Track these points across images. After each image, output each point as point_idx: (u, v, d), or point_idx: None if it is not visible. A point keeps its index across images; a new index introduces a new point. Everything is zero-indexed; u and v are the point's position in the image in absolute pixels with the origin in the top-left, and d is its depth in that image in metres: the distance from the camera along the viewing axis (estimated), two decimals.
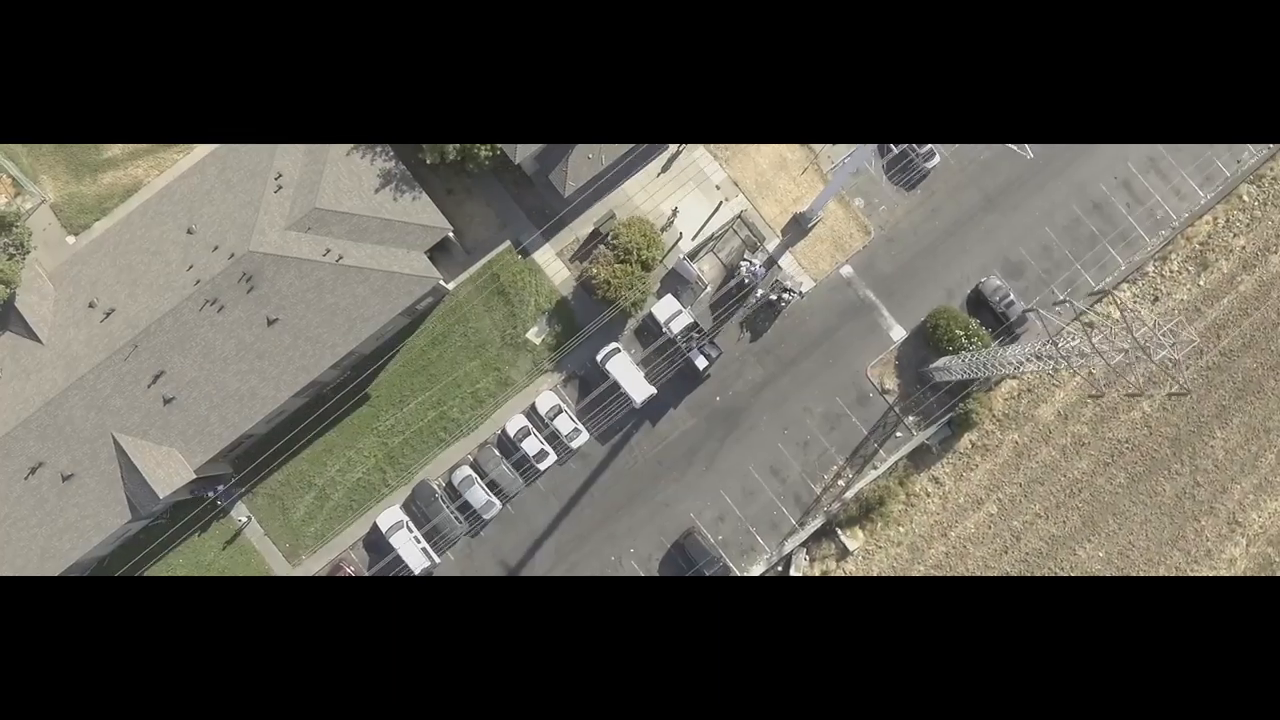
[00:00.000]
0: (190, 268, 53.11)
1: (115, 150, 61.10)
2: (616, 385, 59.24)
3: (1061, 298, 57.01)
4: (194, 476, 53.49)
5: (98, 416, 52.29)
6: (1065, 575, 60.90)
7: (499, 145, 55.82)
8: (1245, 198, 62.96)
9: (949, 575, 60.61)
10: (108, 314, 53.13)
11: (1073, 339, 45.22)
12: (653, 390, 59.42)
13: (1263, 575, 61.35)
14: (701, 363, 59.32)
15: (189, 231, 53.74)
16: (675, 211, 61.73)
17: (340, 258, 53.64)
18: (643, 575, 59.53)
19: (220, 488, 58.44)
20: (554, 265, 61.46)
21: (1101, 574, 60.94)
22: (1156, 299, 62.16)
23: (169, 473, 52.67)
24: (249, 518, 59.29)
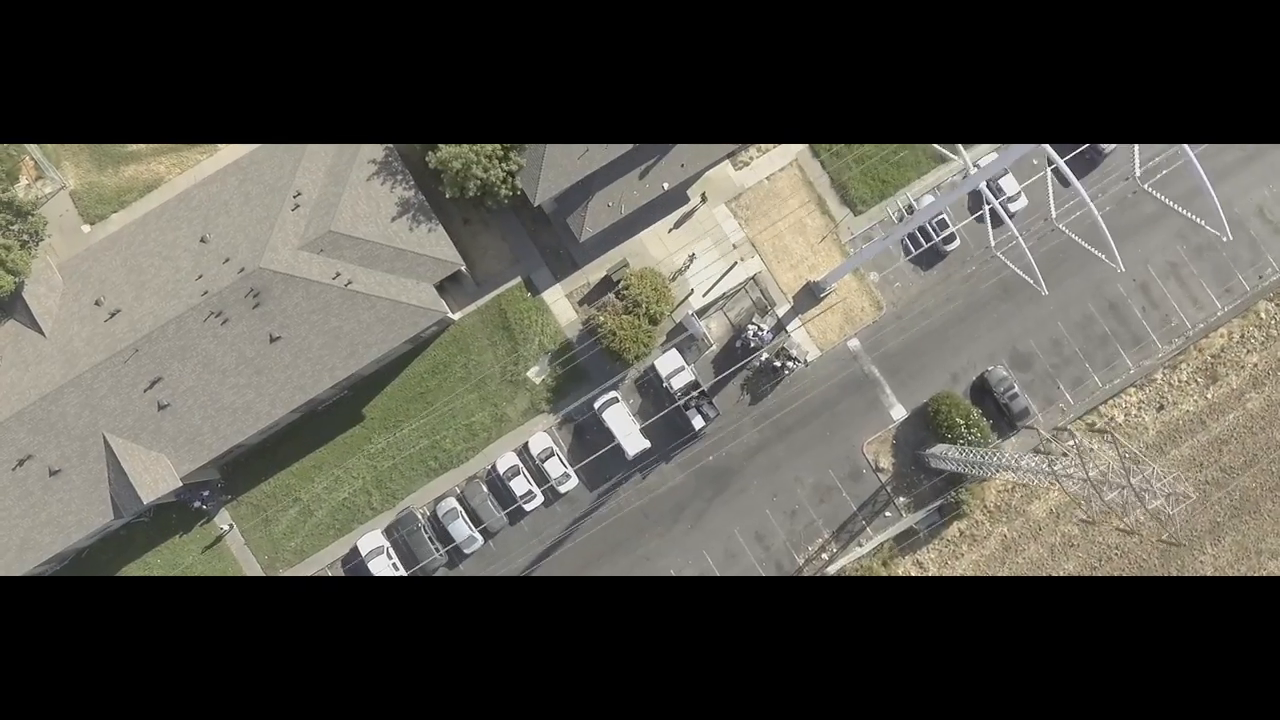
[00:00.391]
0: (199, 277, 53.15)
1: (139, 145, 61.36)
2: (611, 434, 59.21)
3: (1063, 424, 56.61)
4: (180, 484, 53.52)
5: (91, 415, 52.33)
6: None
7: (519, 185, 55.84)
8: (1263, 314, 62.35)
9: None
10: (113, 314, 53.19)
11: (1071, 464, 44.80)
12: (646, 444, 59.14)
13: None
14: (699, 422, 59.07)
15: (202, 240, 53.78)
16: (692, 257, 61.59)
17: (349, 282, 53.62)
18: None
19: (206, 493, 58.54)
20: (562, 306, 61.32)
21: None
22: (1162, 407, 61.64)
23: (155, 478, 52.69)
24: (231, 525, 59.32)
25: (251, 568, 59.56)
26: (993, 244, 46.00)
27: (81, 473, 52.89)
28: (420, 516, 59.39)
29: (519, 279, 61.15)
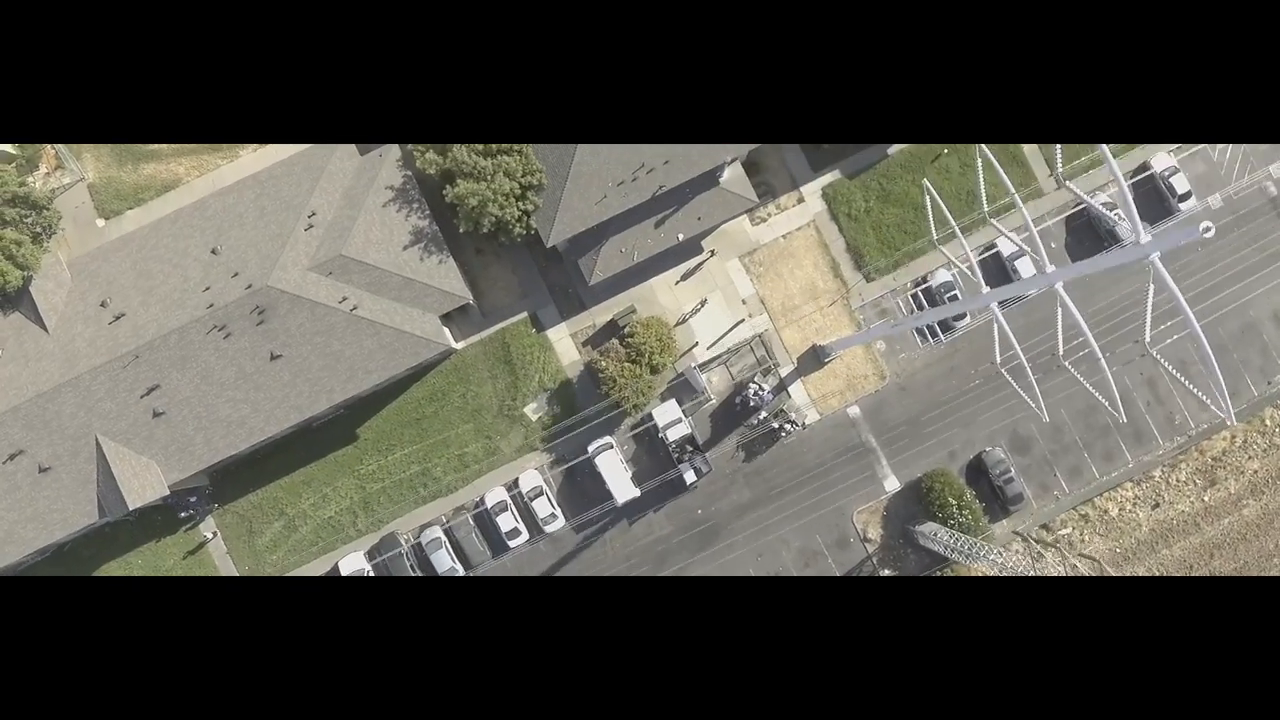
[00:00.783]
0: (207, 289, 53.12)
1: (159, 144, 61.43)
2: (602, 480, 58.99)
3: (1051, 539, 56.23)
4: (167, 492, 53.56)
5: (86, 416, 52.32)
6: None
7: (534, 225, 55.73)
8: (1268, 421, 61.81)
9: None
10: (117, 317, 53.21)
11: (1054, 564, 44.58)
12: (636, 492, 58.84)
13: None
14: (690, 477, 58.76)
15: (213, 251, 53.76)
16: (704, 302, 61.38)
17: (355, 307, 53.52)
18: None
19: (193, 499, 58.54)
20: (566, 345, 61.10)
21: None
22: (1157, 505, 61.12)
23: (143, 484, 52.68)
24: (215, 533, 59.32)
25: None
26: (998, 359, 45.58)
27: (71, 472, 52.90)
28: (404, 542, 59.40)
29: (525, 314, 60.93)
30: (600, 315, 61.36)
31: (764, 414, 60.53)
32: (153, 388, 52.88)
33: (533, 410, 60.97)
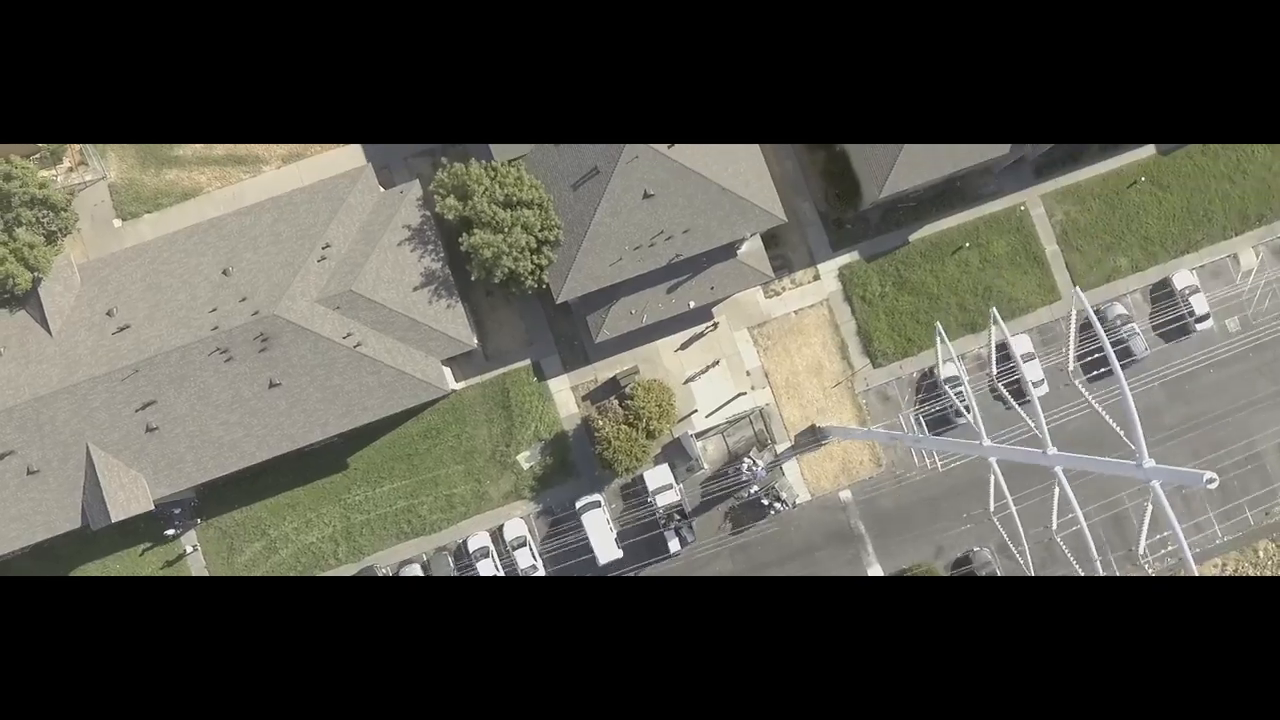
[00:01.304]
0: (214, 310, 53.07)
1: (184, 150, 61.39)
2: (586, 537, 58.83)
3: None
4: (152, 508, 53.60)
5: (79, 424, 52.32)
6: None
7: (546, 280, 55.53)
8: (1260, 553, 61.30)
9: None
10: (121, 328, 53.16)
11: None
12: (619, 554, 58.70)
13: None
14: (674, 546, 58.58)
15: (225, 272, 53.67)
16: (715, 363, 61.16)
17: (359, 344, 53.42)
18: None
19: (178, 510, 58.46)
20: (565, 397, 60.91)
21: None
22: None
23: (129, 497, 52.71)
24: (195, 548, 59.22)
25: None
26: (993, 508, 45.69)
27: (59, 477, 52.93)
28: (382, 576, 59.34)
29: (528, 361, 60.74)
30: (603, 371, 61.16)
31: (755, 489, 60.38)
32: (149, 403, 52.84)
33: (525, 458, 60.76)
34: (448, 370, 57.76)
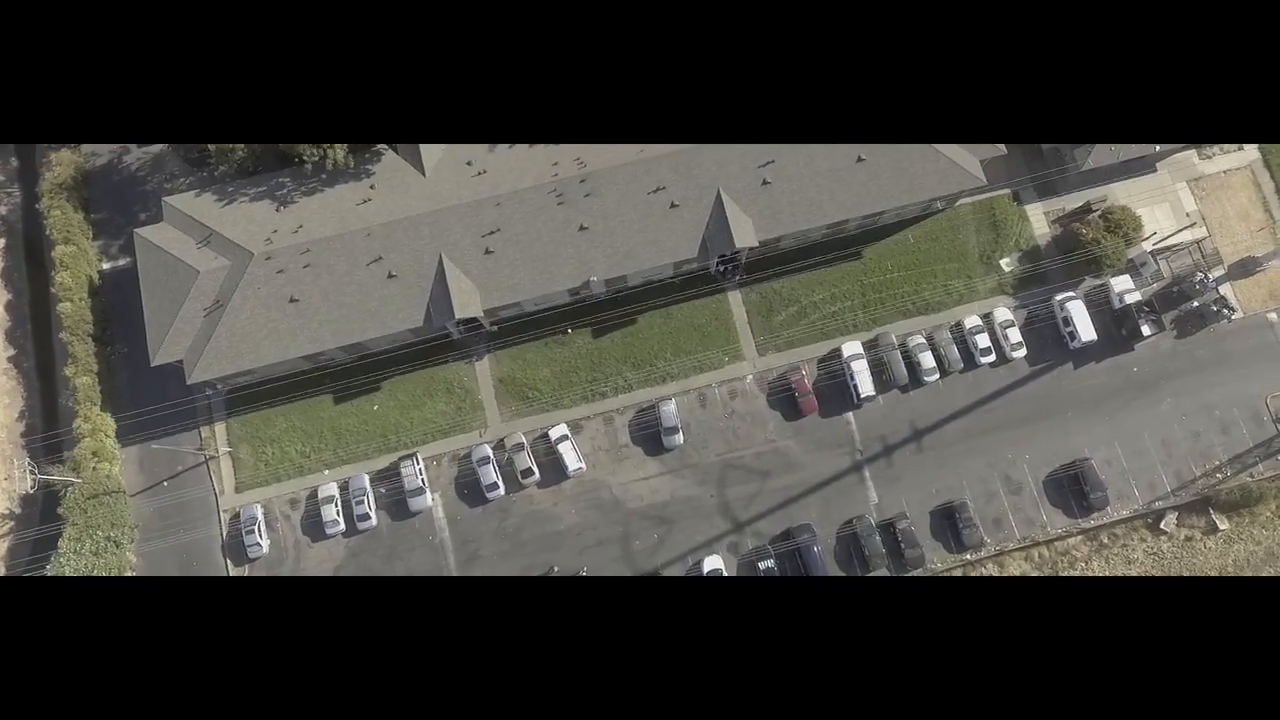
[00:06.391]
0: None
1: None
2: (1069, 322, 71.68)
3: None
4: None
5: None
6: None
7: None
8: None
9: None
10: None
11: None
12: (1094, 335, 71.41)
13: None
14: (1148, 330, 71.29)
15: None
16: (1191, 217, 74.05)
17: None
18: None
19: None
20: (1039, 219, 75.48)
21: None
22: None
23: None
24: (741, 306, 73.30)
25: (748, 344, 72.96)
26: None
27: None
28: (894, 340, 72.32)
29: (1009, 190, 75.87)
30: (1071, 202, 75.71)
31: (1198, 302, 73.03)
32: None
33: (1006, 263, 74.60)
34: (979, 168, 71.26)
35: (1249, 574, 69.63)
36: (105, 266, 76.44)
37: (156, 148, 78.63)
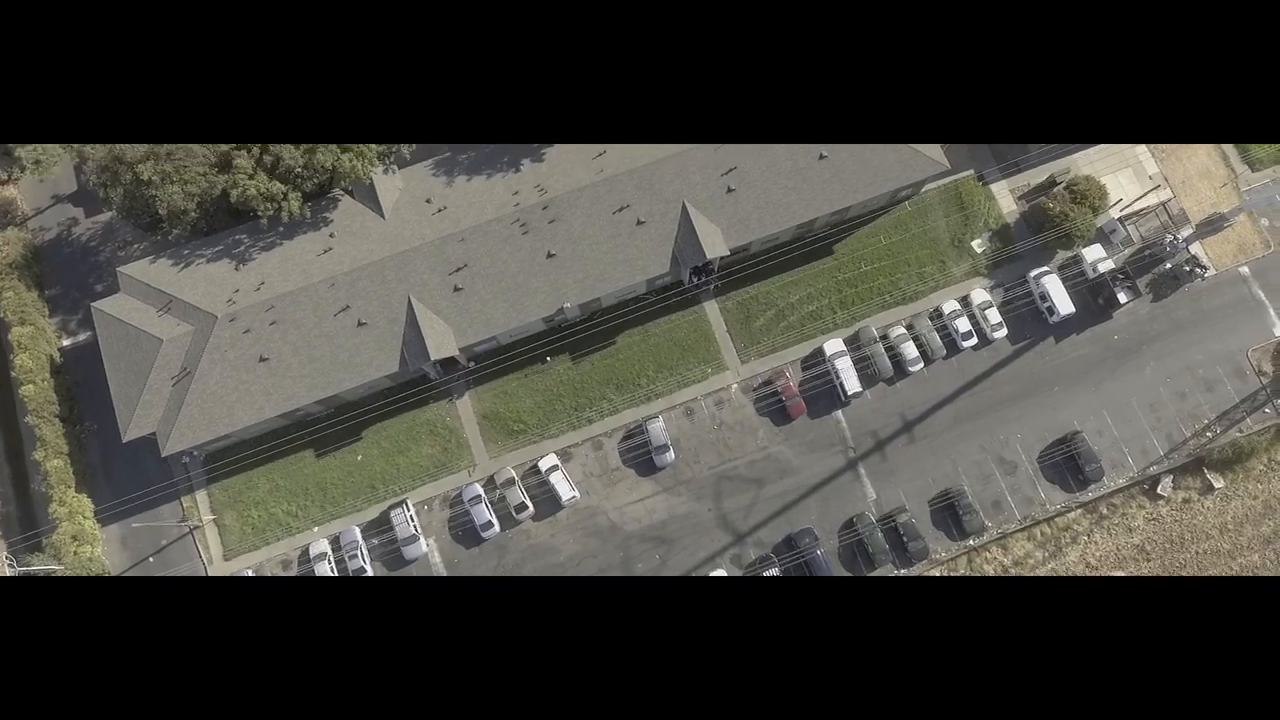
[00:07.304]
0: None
1: None
2: (1045, 297, 71.57)
3: None
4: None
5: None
6: None
7: None
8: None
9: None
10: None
11: None
12: (1072, 309, 71.35)
13: None
14: (1124, 298, 71.29)
15: None
16: (1157, 186, 73.99)
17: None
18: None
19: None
20: (1005, 197, 75.37)
21: None
22: None
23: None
24: (719, 310, 72.54)
25: (728, 349, 72.09)
26: None
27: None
28: (876, 334, 71.76)
29: (972, 171, 75.67)
30: (1035, 176, 75.66)
31: (1169, 264, 73.22)
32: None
33: (978, 244, 74.42)
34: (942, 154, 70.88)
35: (1249, 529, 70.06)
36: (66, 343, 74.51)
37: (105, 216, 76.70)
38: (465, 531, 69.95)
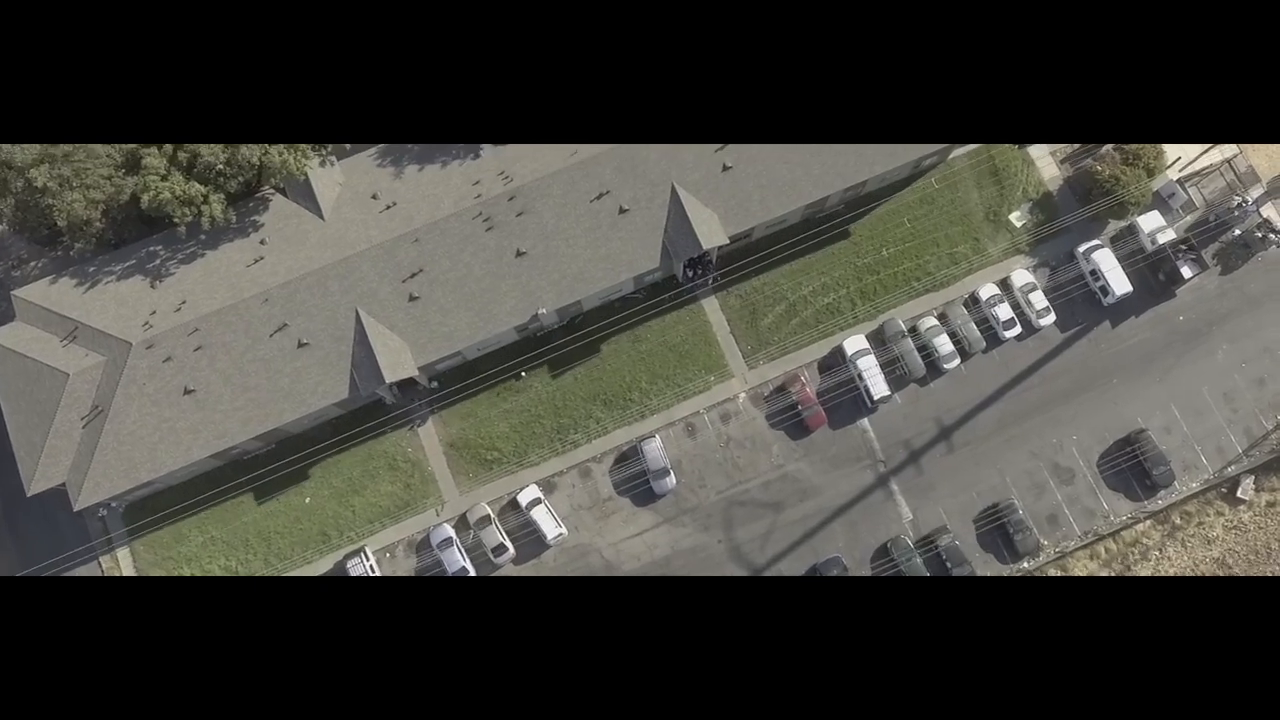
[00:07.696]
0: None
1: None
2: (1098, 275, 61.60)
3: None
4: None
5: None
6: None
7: None
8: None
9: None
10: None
11: None
12: (1129, 287, 61.39)
13: None
14: (1188, 272, 61.35)
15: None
16: None
17: None
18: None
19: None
20: (1045, 162, 65.33)
21: None
22: None
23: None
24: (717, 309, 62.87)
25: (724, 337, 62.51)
26: None
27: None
28: (903, 327, 62.05)
29: None
30: None
31: (1239, 230, 63.39)
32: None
33: (1017, 218, 64.48)
34: None
35: None
36: None
37: None
38: None
